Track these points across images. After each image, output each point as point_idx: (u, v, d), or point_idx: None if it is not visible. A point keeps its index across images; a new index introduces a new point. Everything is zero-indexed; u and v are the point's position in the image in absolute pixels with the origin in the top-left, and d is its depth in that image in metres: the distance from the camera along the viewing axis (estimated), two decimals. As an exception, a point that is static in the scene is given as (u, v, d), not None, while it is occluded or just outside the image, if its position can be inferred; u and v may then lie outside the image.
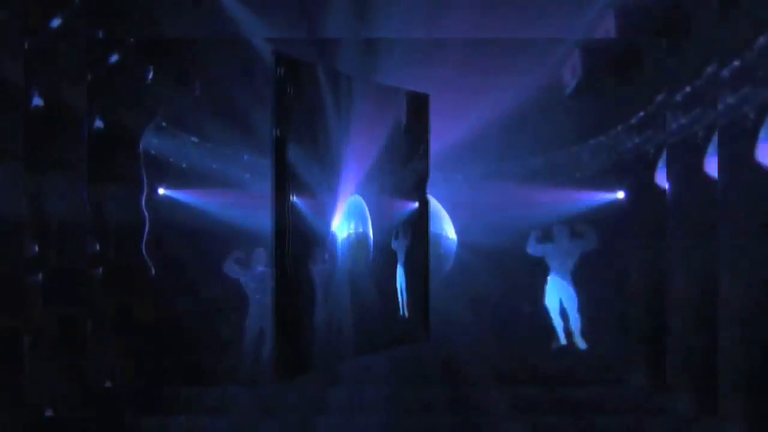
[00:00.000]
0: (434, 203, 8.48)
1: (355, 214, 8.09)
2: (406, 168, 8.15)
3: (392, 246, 8.04)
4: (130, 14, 6.28)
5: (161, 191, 7.68)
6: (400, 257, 8.04)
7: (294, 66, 6.65)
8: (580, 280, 7.31)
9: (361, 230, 8.06)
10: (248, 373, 6.96)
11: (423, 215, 8.05)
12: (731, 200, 4.99)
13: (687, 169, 5.79)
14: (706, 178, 5.46)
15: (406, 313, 7.98)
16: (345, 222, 8.04)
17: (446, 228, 8.95)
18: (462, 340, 7.65)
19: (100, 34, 6.13)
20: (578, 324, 7.25)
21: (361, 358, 7.04)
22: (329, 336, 7.16)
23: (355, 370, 6.73)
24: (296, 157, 6.83)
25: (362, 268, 7.87)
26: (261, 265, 7.42)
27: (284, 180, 6.56)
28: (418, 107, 7.99)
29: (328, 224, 7.56)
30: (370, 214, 8.15)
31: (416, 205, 8.27)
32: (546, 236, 7.42)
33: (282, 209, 6.43)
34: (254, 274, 7.40)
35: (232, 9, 6.64)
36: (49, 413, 5.45)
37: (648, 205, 6.55)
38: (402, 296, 8.07)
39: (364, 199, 8.09)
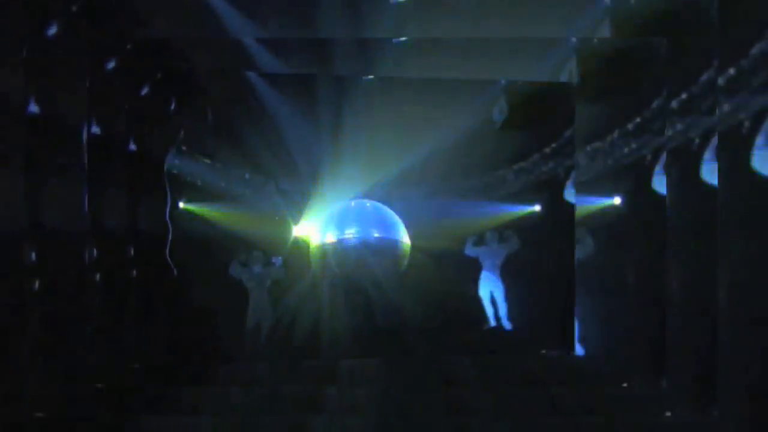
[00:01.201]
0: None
1: (363, 220, 8.07)
2: (511, 168, 7.96)
3: (467, 252, 8.42)
4: (127, 20, 6.28)
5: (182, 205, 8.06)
6: (489, 264, 8.40)
7: (187, 77, 6.72)
8: (580, 284, 7.44)
9: (377, 235, 8.07)
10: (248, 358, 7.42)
11: (562, 218, 7.68)
12: (729, 206, 5.01)
13: (685, 174, 5.80)
14: (705, 183, 5.48)
15: (506, 324, 8.03)
16: (337, 227, 8.05)
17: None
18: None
19: (99, 41, 6.12)
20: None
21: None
22: (279, 334, 7.65)
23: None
24: (189, 167, 6.99)
25: (385, 274, 7.85)
26: (258, 266, 8.00)
27: (162, 187, 6.81)
28: (540, 99, 7.49)
29: (282, 229, 7.77)
30: (405, 219, 8.12)
31: (534, 208, 8.11)
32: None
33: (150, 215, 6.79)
34: (252, 274, 8.02)
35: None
36: (48, 413, 5.42)
37: (646, 210, 6.57)
38: (496, 306, 8.13)
39: (388, 204, 8.06)
